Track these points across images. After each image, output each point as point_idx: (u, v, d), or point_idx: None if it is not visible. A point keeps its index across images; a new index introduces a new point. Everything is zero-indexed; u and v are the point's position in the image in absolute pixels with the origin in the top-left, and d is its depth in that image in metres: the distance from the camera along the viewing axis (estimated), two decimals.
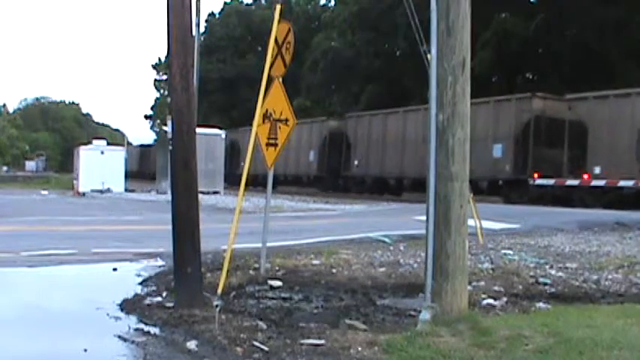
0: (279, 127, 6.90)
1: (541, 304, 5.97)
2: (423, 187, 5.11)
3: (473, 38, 5.26)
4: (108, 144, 35.89)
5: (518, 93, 27.66)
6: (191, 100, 5.64)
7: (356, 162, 33.62)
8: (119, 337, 4.63)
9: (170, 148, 5.87)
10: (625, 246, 10.77)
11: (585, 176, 22.46)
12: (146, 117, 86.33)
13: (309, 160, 36.74)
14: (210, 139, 29.43)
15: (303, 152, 36.97)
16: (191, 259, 5.43)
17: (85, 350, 4.30)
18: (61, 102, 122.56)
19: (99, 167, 31.22)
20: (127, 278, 6.96)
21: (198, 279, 5.55)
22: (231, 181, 33.30)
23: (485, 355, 4.11)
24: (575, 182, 22.86)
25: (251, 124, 6.39)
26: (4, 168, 72.32)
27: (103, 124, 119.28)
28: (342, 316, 5.32)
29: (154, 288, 6.34)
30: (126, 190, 31.85)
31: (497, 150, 25.10)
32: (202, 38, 44.67)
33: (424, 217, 5.18)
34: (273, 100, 6.86)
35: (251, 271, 7.10)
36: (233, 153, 39.33)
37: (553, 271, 7.85)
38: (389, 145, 30.99)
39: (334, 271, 7.47)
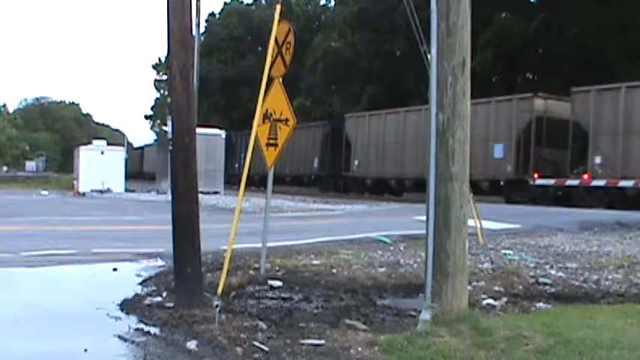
0: (280, 127, 6.90)
1: (541, 304, 5.97)
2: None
3: (473, 38, 5.25)
4: (108, 144, 35.92)
5: (518, 93, 27.77)
6: (191, 101, 5.64)
7: None
8: (119, 337, 4.64)
9: (170, 148, 5.87)
10: (625, 246, 10.77)
11: (585, 176, 22.49)
12: (146, 117, 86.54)
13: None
14: (210, 139, 29.47)
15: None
16: (191, 259, 5.43)
17: (85, 350, 4.30)
18: (61, 102, 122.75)
19: (99, 167, 31.24)
20: (127, 278, 6.96)
21: (199, 279, 5.55)
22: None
23: (486, 356, 4.11)
24: (575, 182, 22.89)
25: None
26: (4, 168, 72.40)
27: (103, 124, 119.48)
28: (342, 316, 5.32)
29: (154, 288, 6.34)
30: (126, 190, 31.86)
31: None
32: (202, 38, 44.75)
33: (424, 217, 5.17)
34: (273, 100, 6.87)
35: (251, 271, 7.10)
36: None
37: (553, 271, 7.85)
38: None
39: (334, 271, 7.47)
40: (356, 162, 33.73)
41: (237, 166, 40.74)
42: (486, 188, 25.19)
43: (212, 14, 65.04)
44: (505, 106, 25.84)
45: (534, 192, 24.17)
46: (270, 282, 6.55)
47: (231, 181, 36.28)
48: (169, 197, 5.78)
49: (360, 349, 4.27)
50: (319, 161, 37.57)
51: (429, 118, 5.14)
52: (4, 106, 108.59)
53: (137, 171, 56.98)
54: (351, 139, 34.31)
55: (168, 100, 5.82)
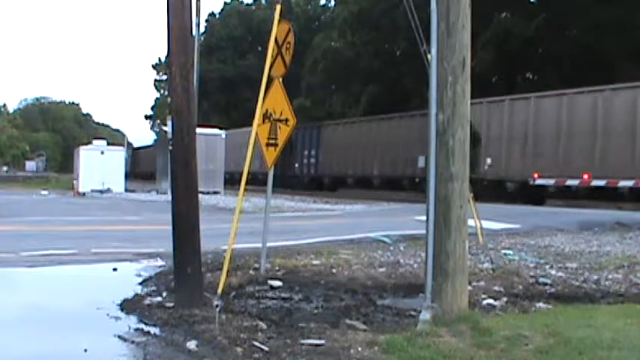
0: (279, 127, 6.90)
1: (541, 304, 5.97)
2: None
3: (473, 38, 5.25)
4: (108, 144, 35.91)
5: (518, 93, 27.62)
6: (191, 101, 5.64)
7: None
8: (119, 337, 4.64)
9: (170, 148, 5.88)
10: (625, 246, 10.77)
11: (585, 176, 22.40)
12: (146, 117, 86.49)
13: None
14: (210, 139, 29.47)
15: None
16: (191, 259, 5.43)
17: (85, 350, 4.30)
18: (61, 102, 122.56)
19: (99, 167, 31.25)
20: (127, 278, 6.96)
21: (199, 279, 5.56)
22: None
23: (486, 355, 4.11)
24: (575, 182, 22.79)
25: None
26: (4, 168, 72.29)
27: (103, 124, 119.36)
28: (342, 316, 5.32)
29: (154, 288, 6.34)
30: (126, 190, 31.86)
31: None
32: (202, 38, 44.73)
33: (424, 217, 5.18)
34: (273, 100, 6.87)
35: (251, 271, 7.11)
36: None
37: (553, 271, 7.85)
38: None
39: (334, 271, 7.47)
40: (488, 160, 25.74)
41: (297, 165, 35.57)
42: (627, 193, 20.70)
43: (212, 14, 65.05)
44: None
45: None
46: (270, 282, 6.55)
47: (287, 184, 30.97)
48: (169, 197, 5.78)
49: (360, 349, 4.27)
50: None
51: (429, 117, 5.15)
52: (4, 106, 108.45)
53: (149, 171, 48.48)
54: (479, 131, 25.18)
55: (169, 100, 5.82)
